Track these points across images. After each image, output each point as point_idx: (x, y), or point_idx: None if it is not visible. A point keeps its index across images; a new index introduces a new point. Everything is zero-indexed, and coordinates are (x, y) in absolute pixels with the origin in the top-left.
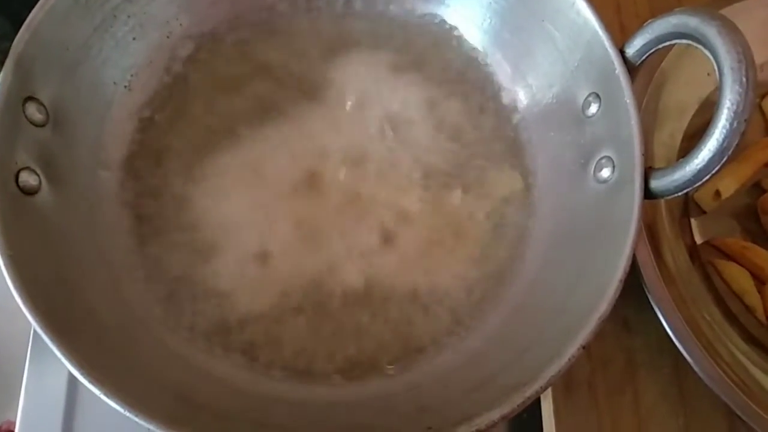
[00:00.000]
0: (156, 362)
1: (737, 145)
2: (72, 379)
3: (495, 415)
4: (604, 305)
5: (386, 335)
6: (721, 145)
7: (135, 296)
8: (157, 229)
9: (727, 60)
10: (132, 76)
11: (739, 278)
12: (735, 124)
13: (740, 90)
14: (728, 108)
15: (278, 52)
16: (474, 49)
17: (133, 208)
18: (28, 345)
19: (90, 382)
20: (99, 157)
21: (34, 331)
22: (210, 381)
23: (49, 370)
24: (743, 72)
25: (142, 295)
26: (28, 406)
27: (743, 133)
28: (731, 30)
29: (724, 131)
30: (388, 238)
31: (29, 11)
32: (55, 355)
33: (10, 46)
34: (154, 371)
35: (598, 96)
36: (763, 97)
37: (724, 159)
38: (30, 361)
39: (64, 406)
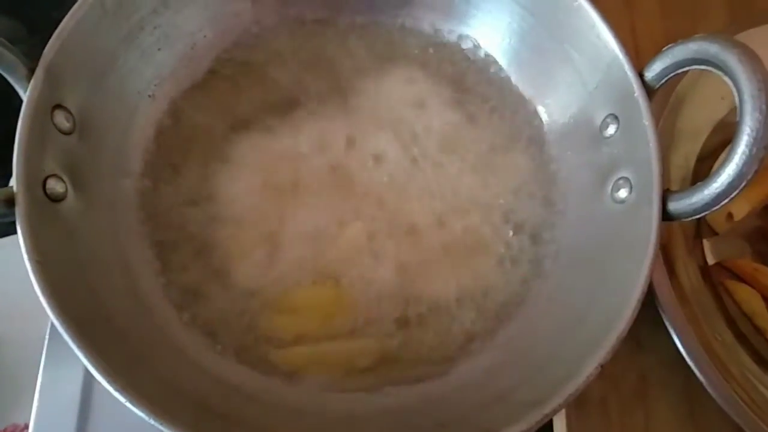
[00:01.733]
0: (176, 369)
1: (756, 171)
2: (87, 384)
3: (514, 431)
4: (622, 324)
5: (401, 349)
6: (740, 170)
7: (155, 303)
8: (177, 237)
9: (748, 87)
10: (155, 86)
11: (750, 300)
12: (754, 150)
13: (760, 117)
14: (748, 134)
15: (302, 63)
16: (495, 68)
17: (153, 214)
18: (42, 350)
19: (115, 389)
20: (122, 165)
21: (50, 335)
22: (230, 389)
23: (63, 375)
24: (764, 99)
25: (162, 302)
26: (42, 410)
27: (762, 159)
28: (752, 58)
29: (744, 157)
30: (402, 249)
31: (43, 14)
32: (71, 360)
33: (25, 48)
34: (174, 378)
35: (616, 117)
36: None
37: (743, 184)
38: (45, 366)
39: (78, 411)
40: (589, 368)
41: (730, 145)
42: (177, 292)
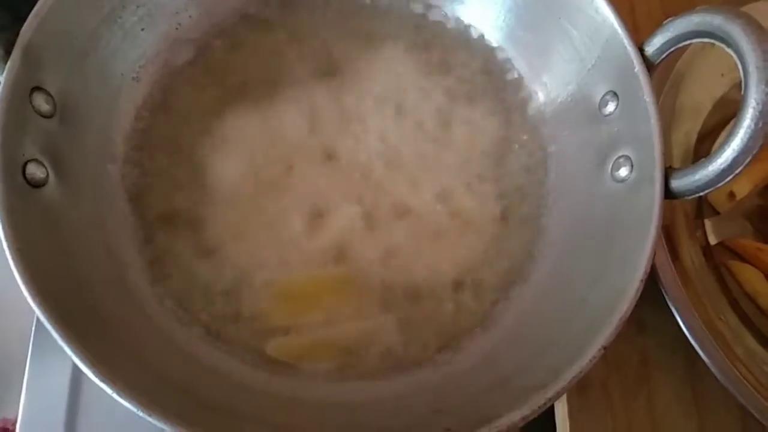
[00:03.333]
0: (164, 359)
1: (762, 145)
2: (75, 377)
3: (516, 416)
4: (625, 305)
5: (399, 335)
6: (746, 145)
7: (141, 290)
8: (165, 223)
9: (753, 59)
10: (140, 67)
11: (753, 280)
12: (760, 124)
13: (766, 89)
14: (753, 107)
15: (292, 41)
16: (489, 47)
17: (140, 200)
18: (28, 343)
19: (101, 380)
20: (106, 150)
21: (36, 328)
22: (219, 378)
23: (51, 368)
24: None
25: (149, 290)
26: (30, 405)
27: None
28: (756, 28)
29: (749, 131)
30: (398, 231)
31: (28, 4)
32: (58, 353)
33: (10, 37)
34: (162, 368)
35: (615, 94)
36: None
37: (749, 159)
38: (31, 359)
39: (66, 404)
40: (592, 350)
41: (733, 120)
42: (166, 279)
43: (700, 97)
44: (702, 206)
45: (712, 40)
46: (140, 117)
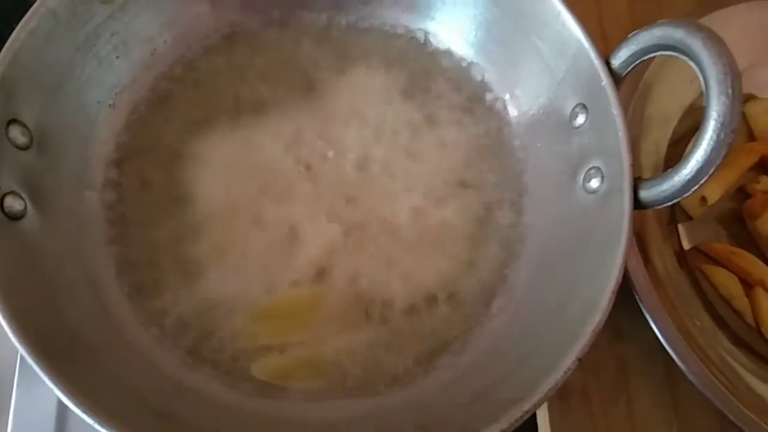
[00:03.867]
0: (147, 384)
1: (725, 155)
2: (61, 403)
3: (494, 429)
4: (597, 316)
5: (382, 350)
6: (709, 155)
7: (122, 317)
8: (145, 248)
9: (713, 72)
10: (116, 94)
11: (727, 283)
12: (722, 135)
13: (726, 101)
14: (715, 119)
15: (267, 64)
16: (461, 61)
17: (120, 225)
18: (14, 369)
19: (83, 411)
20: (84, 177)
21: (21, 356)
22: (203, 401)
23: (37, 392)
24: (729, 84)
25: (129, 316)
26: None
27: (731, 144)
28: (716, 42)
29: (712, 142)
30: (377, 246)
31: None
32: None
33: None
34: (145, 394)
35: (584, 107)
36: (745, 102)
37: (713, 169)
38: (18, 384)
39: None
40: (568, 362)
41: (697, 131)
42: (146, 305)
43: (668, 105)
44: (675, 211)
45: (674, 53)
46: (118, 144)
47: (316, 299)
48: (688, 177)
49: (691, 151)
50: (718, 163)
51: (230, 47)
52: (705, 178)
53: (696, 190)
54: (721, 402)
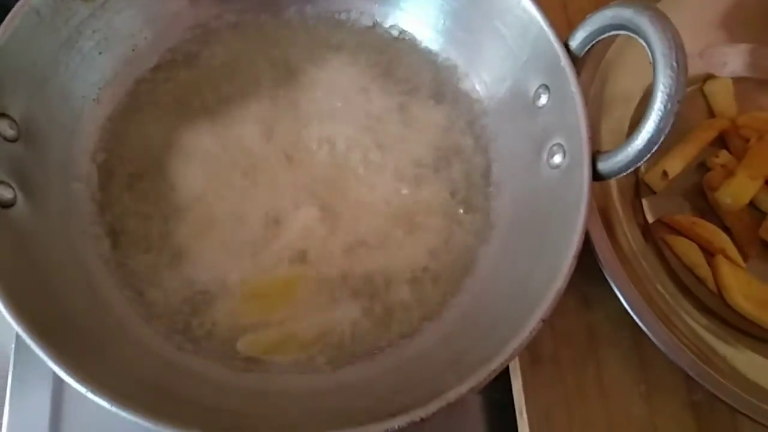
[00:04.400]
0: (137, 360)
1: (673, 124)
2: (56, 392)
3: (464, 388)
4: (560, 280)
5: (362, 326)
6: (658, 126)
7: (112, 299)
8: (131, 232)
9: (659, 46)
10: (100, 89)
11: (690, 252)
12: (669, 106)
13: (672, 74)
14: (662, 91)
15: (245, 57)
16: (431, 49)
17: (107, 212)
18: (9, 364)
19: (77, 382)
20: (71, 169)
21: (17, 345)
22: (192, 376)
23: (32, 383)
24: (674, 57)
25: (119, 297)
26: (14, 420)
27: (678, 114)
28: (662, 19)
29: (660, 113)
30: (355, 227)
31: None
32: (39, 369)
33: None
34: (136, 369)
35: (547, 87)
36: (704, 81)
37: (662, 138)
38: (13, 375)
39: (49, 418)
40: (533, 323)
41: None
42: (134, 285)
43: (630, 85)
44: (640, 187)
45: (626, 32)
46: (103, 136)
47: (297, 278)
48: (640, 147)
49: (641, 123)
50: (666, 132)
51: (208, 42)
52: (655, 147)
53: (648, 158)
54: (684, 362)
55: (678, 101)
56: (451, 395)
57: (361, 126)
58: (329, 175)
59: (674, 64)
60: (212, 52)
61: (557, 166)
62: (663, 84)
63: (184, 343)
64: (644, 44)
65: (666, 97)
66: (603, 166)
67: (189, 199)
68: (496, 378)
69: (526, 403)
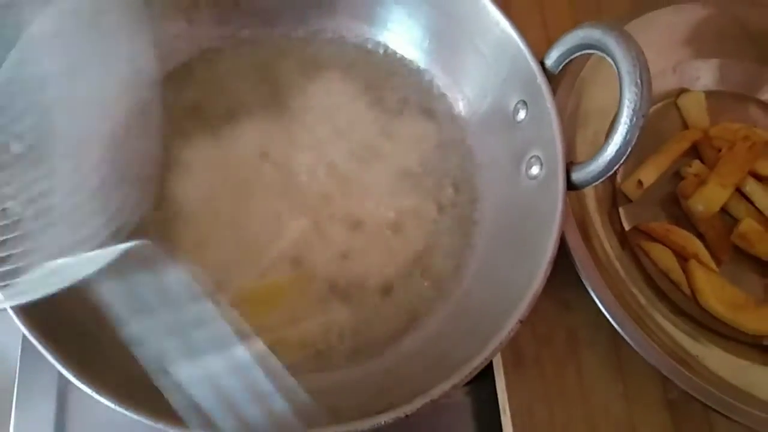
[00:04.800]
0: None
1: (639, 136)
2: (62, 398)
3: (447, 385)
4: (537, 283)
5: (354, 328)
6: (625, 138)
7: None
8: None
9: (624, 65)
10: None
11: (664, 258)
12: (635, 120)
13: (636, 90)
14: (627, 106)
15: (241, 76)
16: (417, 67)
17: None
18: (15, 368)
19: (82, 382)
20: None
21: (23, 351)
22: None
23: (38, 391)
24: (638, 74)
25: None
26: (19, 427)
27: (643, 127)
28: (627, 39)
29: (626, 127)
30: (347, 237)
31: None
32: (44, 375)
33: None
34: (138, 371)
35: (525, 103)
36: (678, 95)
37: (629, 150)
38: (19, 383)
39: (54, 426)
40: (511, 323)
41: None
42: None
43: (605, 99)
44: (617, 196)
45: (595, 51)
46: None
47: (290, 284)
48: (609, 158)
49: (610, 136)
50: (633, 144)
51: (206, 62)
52: (623, 158)
53: (618, 168)
54: (659, 362)
55: (643, 115)
56: (435, 392)
57: (350, 141)
58: (320, 188)
59: (638, 81)
60: (210, 72)
61: (535, 177)
62: (628, 100)
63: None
64: (612, 62)
65: (631, 112)
66: (577, 176)
67: (187, 210)
68: (483, 378)
69: (509, 401)
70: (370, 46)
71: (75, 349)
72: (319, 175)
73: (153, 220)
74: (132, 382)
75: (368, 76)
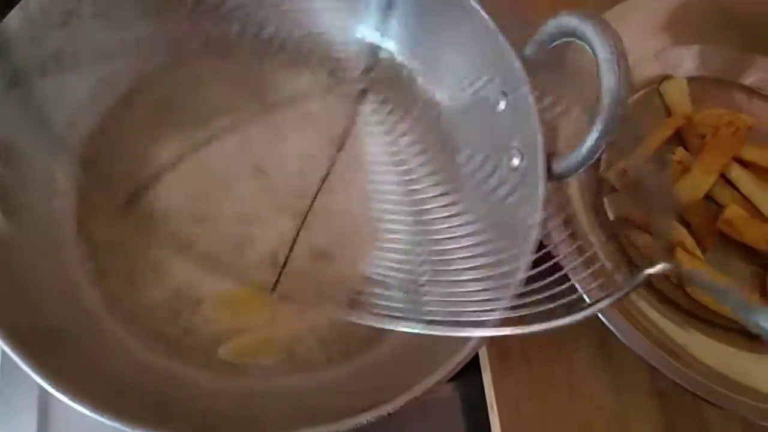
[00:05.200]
0: (121, 369)
1: (619, 125)
2: (42, 410)
3: (431, 381)
4: (519, 275)
5: (339, 328)
6: (606, 127)
7: (95, 309)
8: (112, 246)
9: (602, 52)
10: (78, 110)
11: (650, 246)
12: (614, 108)
13: (614, 78)
14: (606, 95)
15: (220, 77)
16: (398, 62)
17: (88, 227)
18: None
19: (58, 390)
20: (51, 187)
21: (2, 364)
22: (174, 383)
23: (18, 404)
24: (616, 62)
25: (103, 308)
26: None
27: (622, 116)
28: (604, 26)
29: (606, 115)
30: (326, 236)
31: None
32: (24, 388)
33: None
34: (120, 377)
35: (505, 93)
36: (661, 82)
37: (610, 138)
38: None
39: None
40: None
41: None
42: (116, 297)
43: (587, 86)
44: (602, 186)
45: (573, 39)
46: (81, 155)
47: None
48: (591, 147)
49: (590, 126)
50: (614, 132)
51: (185, 64)
52: (603, 147)
53: (597, 157)
54: (647, 352)
55: (621, 104)
56: (418, 389)
57: (331, 139)
58: (301, 187)
59: (616, 68)
60: (187, 75)
61: (516, 168)
62: (607, 88)
63: (168, 352)
64: (590, 50)
65: (610, 100)
66: (557, 166)
67: (168, 213)
68: (471, 373)
69: (495, 396)
70: (351, 44)
71: (51, 356)
72: (299, 175)
73: (133, 223)
74: (112, 388)
75: (350, 76)
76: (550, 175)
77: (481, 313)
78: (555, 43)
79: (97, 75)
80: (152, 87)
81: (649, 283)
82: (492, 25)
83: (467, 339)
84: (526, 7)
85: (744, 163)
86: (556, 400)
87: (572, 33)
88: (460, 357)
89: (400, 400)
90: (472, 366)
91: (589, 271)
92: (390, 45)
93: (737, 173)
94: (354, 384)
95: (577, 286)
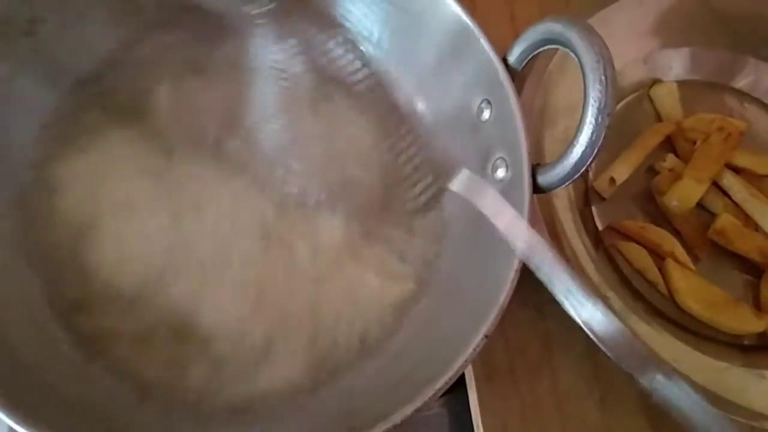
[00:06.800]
0: (82, 396)
1: (605, 136)
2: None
3: (408, 410)
4: (503, 295)
5: (320, 355)
6: (591, 139)
7: (57, 333)
8: (68, 270)
9: (588, 60)
10: (43, 123)
11: (640, 257)
12: (600, 119)
13: (600, 87)
14: (592, 105)
15: (193, 80)
16: (380, 68)
17: (42, 250)
18: None
19: (17, 423)
20: (15, 205)
21: None
22: (143, 413)
23: None
24: (602, 70)
25: (63, 332)
26: None
27: (609, 126)
28: (590, 33)
29: (591, 126)
30: (304, 259)
31: None
32: None
33: None
34: (83, 406)
35: (489, 102)
36: (651, 86)
37: (596, 151)
38: None
39: None
40: (476, 339)
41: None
42: (80, 329)
43: (574, 95)
44: (589, 195)
45: (557, 46)
46: (47, 172)
47: (248, 315)
48: (576, 160)
49: (575, 137)
50: (599, 144)
51: (152, 72)
52: (590, 159)
53: (584, 170)
54: None
55: (608, 114)
56: (397, 416)
57: (312, 154)
58: (281, 204)
59: (603, 77)
60: (153, 84)
61: (501, 180)
62: (593, 98)
63: (131, 382)
64: (575, 58)
65: (596, 111)
66: (542, 179)
67: (133, 239)
68: (459, 389)
69: (481, 417)
70: (328, 47)
71: (11, 384)
72: (280, 190)
73: (95, 251)
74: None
75: (326, 79)
76: (536, 187)
77: None
78: (540, 50)
79: (64, 87)
80: (119, 99)
81: (638, 294)
82: (475, 29)
83: (448, 363)
84: (513, 12)
85: (736, 170)
86: (543, 417)
87: (557, 40)
88: (441, 382)
89: (378, 428)
90: (459, 381)
91: None
92: (369, 50)
93: (729, 180)
94: (330, 406)
95: None
